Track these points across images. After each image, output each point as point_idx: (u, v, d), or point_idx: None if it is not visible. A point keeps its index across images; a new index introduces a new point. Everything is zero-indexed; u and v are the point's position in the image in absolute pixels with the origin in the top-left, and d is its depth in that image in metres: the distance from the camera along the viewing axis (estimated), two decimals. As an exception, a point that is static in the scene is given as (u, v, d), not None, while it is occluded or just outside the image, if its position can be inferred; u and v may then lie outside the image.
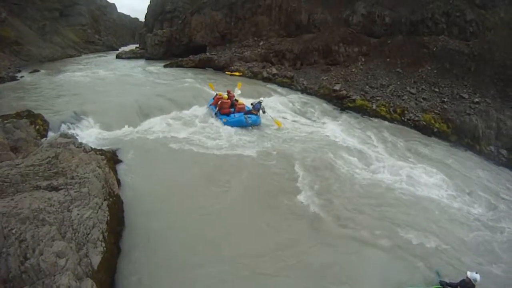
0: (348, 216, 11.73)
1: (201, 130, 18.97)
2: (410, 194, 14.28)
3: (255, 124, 20.48)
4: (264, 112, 21.42)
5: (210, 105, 22.97)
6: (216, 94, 23.14)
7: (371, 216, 11.97)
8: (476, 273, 7.71)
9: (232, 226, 10.09)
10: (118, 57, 54.02)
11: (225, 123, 20.03)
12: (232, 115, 20.53)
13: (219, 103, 21.35)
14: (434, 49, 30.78)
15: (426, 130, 24.97)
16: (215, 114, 21.37)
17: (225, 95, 21.77)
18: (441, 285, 8.14)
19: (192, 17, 47.18)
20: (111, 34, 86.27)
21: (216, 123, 20.42)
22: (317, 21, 37.92)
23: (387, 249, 9.98)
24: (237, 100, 22.13)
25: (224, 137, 18.32)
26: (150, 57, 50.70)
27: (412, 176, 16.17)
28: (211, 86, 27.18)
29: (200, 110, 22.46)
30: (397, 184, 15.24)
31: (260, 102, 21.51)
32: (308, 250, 9.56)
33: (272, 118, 22.12)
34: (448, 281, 8.27)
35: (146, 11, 65.76)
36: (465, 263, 9.76)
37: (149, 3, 64.97)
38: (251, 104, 21.48)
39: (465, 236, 11.57)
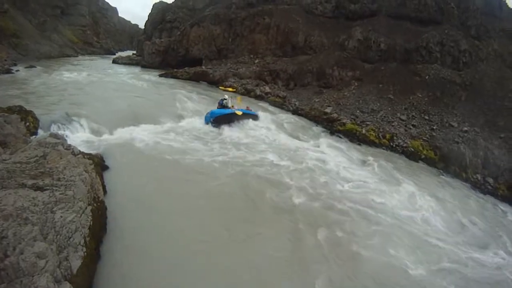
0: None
1: (191, 141, 19.34)
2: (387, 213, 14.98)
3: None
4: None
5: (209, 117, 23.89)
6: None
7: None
8: None
9: (217, 235, 10.38)
10: (114, 61, 55.12)
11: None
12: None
13: None
14: (427, 77, 31.85)
15: (413, 156, 25.42)
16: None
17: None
18: None
19: (191, 29, 48.35)
20: (110, 37, 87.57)
21: (207, 136, 20.92)
22: (313, 43, 39.21)
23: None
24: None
25: (212, 148, 18.76)
26: (146, 65, 51.67)
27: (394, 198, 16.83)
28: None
29: (191, 122, 22.92)
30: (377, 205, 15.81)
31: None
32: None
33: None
34: None
35: (147, 19, 67.48)
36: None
37: (150, 11, 66.87)
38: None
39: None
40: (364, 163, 21.70)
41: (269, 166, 17.06)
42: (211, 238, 10.17)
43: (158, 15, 63.30)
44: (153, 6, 65.12)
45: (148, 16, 66.08)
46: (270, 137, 22.72)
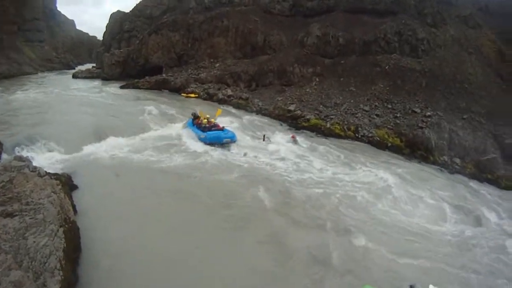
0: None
1: (158, 152, 18.80)
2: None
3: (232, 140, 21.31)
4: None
5: (191, 125, 23.30)
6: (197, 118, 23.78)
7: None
8: None
9: (192, 249, 10.24)
10: (74, 76, 53.33)
11: (201, 139, 20.79)
12: (209, 132, 21.13)
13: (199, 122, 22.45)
14: (387, 67, 32.26)
15: (380, 145, 25.83)
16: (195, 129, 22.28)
17: (205, 120, 22.43)
18: None
19: (150, 38, 47.59)
20: (69, 51, 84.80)
21: (174, 146, 20.29)
22: (272, 42, 39.13)
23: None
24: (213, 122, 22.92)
25: (184, 157, 18.31)
26: (107, 77, 50.06)
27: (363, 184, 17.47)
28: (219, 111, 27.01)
29: (157, 133, 22.41)
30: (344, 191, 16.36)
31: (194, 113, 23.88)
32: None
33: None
34: None
35: (105, 30, 65.94)
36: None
37: (108, 21, 65.41)
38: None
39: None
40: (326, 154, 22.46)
41: (243, 171, 17.23)
42: (186, 253, 10.06)
43: (116, 25, 61.96)
44: (110, 16, 63.83)
45: (106, 27, 64.57)
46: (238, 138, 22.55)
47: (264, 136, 23.51)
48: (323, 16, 38.54)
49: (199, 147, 19.84)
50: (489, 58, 32.41)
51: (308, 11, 39.75)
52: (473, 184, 21.55)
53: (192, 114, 24.07)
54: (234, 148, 20.51)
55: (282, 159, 19.89)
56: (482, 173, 23.14)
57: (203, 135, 20.63)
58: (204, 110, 25.88)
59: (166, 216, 11.94)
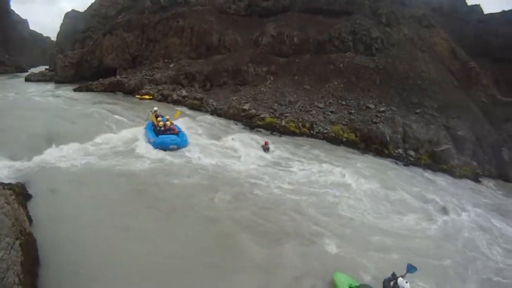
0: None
1: (113, 157, 17.39)
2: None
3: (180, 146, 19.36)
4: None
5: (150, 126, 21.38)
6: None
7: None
8: (406, 282, 7.62)
9: (157, 258, 9.55)
10: (27, 79, 49.91)
11: (151, 143, 19.15)
12: (161, 136, 19.35)
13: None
14: (341, 65, 32.21)
15: (335, 140, 25.88)
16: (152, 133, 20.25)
17: (161, 123, 20.61)
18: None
19: (104, 38, 45.57)
20: (22, 53, 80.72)
21: (130, 150, 18.81)
22: (227, 42, 38.28)
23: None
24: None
25: (139, 162, 16.97)
26: (60, 80, 47.09)
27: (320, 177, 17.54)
28: (178, 113, 25.75)
29: (112, 136, 20.75)
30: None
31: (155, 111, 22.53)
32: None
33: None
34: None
35: (59, 30, 62.77)
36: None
37: (62, 21, 62.36)
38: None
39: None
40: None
41: (202, 169, 16.78)
42: (152, 262, 9.32)
43: (70, 26, 59.11)
44: (65, 16, 60.94)
45: (60, 26, 61.54)
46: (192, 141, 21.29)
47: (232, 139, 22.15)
48: (279, 16, 38.14)
49: (152, 151, 18.47)
50: (442, 56, 33.00)
51: (263, 11, 39.23)
52: (429, 174, 22.49)
53: (152, 112, 22.44)
54: (188, 151, 19.18)
55: (239, 158, 19.17)
56: (437, 163, 23.95)
57: (152, 139, 19.04)
58: (163, 112, 24.42)
59: (126, 222, 11.14)
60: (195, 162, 17.53)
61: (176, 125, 21.15)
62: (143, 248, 9.78)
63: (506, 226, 15.64)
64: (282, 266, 9.79)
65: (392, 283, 7.86)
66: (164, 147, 18.51)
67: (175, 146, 18.79)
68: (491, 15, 41.40)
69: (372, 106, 27.98)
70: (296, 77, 32.77)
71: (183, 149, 19.00)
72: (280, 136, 26.28)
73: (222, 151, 20.29)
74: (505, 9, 40.14)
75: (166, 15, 43.06)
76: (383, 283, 8.08)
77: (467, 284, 10.52)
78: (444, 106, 28.02)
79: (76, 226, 10.49)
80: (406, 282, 7.58)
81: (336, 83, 30.95)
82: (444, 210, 15.95)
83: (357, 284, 8.51)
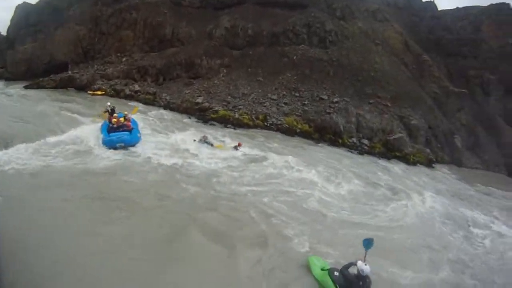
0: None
1: (69, 157, 15.88)
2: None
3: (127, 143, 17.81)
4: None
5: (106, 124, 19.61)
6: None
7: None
8: (366, 264, 7.52)
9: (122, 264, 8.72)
10: None
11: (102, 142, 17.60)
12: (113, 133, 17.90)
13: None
14: (294, 58, 31.77)
15: (289, 131, 25.59)
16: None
17: (115, 119, 19.01)
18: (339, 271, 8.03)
19: (55, 32, 42.90)
20: None
21: (85, 149, 17.28)
22: (181, 35, 36.96)
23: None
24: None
25: (95, 161, 15.70)
26: (10, 77, 43.64)
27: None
28: (136, 109, 24.49)
29: (66, 135, 18.96)
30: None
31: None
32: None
33: None
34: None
35: (9, 23, 58.86)
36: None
37: (13, 14, 58.53)
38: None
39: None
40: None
41: (160, 168, 15.74)
42: (117, 270, 8.50)
43: (21, 19, 55.11)
44: (16, 9, 57.00)
45: (11, 20, 57.56)
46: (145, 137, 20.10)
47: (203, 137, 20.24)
48: (233, 8, 37.18)
49: (104, 150, 17.09)
50: (395, 49, 33.19)
51: (218, 3, 38.14)
52: (383, 162, 23.07)
53: (105, 109, 21.11)
54: (140, 149, 17.89)
55: (195, 156, 18.02)
56: (391, 151, 24.40)
57: (103, 137, 17.65)
58: (119, 108, 23.09)
59: (85, 226, 10.16)
60: (146, 160, 16.39)
61: (134, 121, 19.85)
62: (106, 251, 9.02)
63: (466, 210, 16.23)
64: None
65: (352, 267, 7.80)
66: (111, 145, 17.12)
67: (122, 144, 17.35)
68: (445, 11, 42.41)
69: (325, 97, 27.79)
70: (249, 69, 32.15)
71: (137, 147, 17.77)
72: (234, 129, 25.67)
73: (176, 147, 19.14)
74: (459, 6, 41.22)
75: (120, 6, 41.11)
76: (341, 271, 7.89)
77: (438, 269, 10.46)
78: (397, 97, 28.16)
79: (32, 231, 9.55)
80: (366, 265, 7.46)
81: (289, 75, 30.55)
82: (403, 196, 16.27)
83: (328, 267, 8.56)
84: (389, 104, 27.15)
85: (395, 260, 10.07)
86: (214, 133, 22.99)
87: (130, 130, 18.32)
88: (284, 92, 28.89)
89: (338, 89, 28.38)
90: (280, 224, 11.44)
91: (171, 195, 12.70)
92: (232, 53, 33.94)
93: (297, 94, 28.52)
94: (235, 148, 19.43)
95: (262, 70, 31.62)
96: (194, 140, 19.59)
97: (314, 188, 15.12)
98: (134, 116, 21.72)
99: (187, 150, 18.63)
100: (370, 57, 30.91)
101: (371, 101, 27.36)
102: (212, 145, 19.30)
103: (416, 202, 15.72)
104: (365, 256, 7.87)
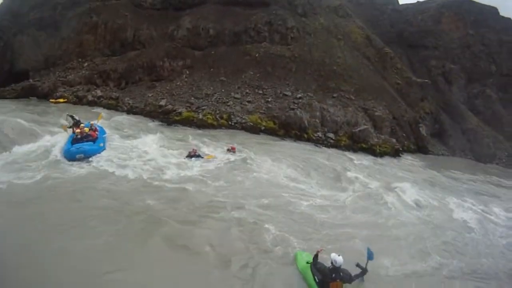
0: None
1: (34, 170, 14.25)
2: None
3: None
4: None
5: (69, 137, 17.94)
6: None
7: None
8: (339, 255, 7.48)
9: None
10: None
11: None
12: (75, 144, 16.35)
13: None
14: (257, 55, 31.40)
15: (254, 129, 25.28)
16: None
17: (78, 130, 17.56)
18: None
19: (15, 39, 41.14)
20: None
21: (50, 162, 15.64)
22: (142, 37, 35.91)
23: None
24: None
25: (59, 173, 14.16)
26: None
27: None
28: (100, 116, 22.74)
29: (28, 148, 17.19)
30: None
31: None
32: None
33: None
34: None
35: None
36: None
37: None
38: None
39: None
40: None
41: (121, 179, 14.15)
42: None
43: None
44: None
45: None
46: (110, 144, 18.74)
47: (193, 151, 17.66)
48: (195, 8, 36.42)
49: (68, 161, 15.66)
50: (357, 43, 33.43)
51: (179, 4, 37.29)
52: (350, 154, 23.09)
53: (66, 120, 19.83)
54: (103, 158, 16.25)
55: (152, 160, 16.67)
56: (356, 143, 24.56)
57: (64, 148, 16.28)
58: (81, 116, 21.56)
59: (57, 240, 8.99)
60: (106, 170, 14.84)
61: (101, 130, 18.60)
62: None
63: (438, 195, 16.45)
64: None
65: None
66: (70, 157, 15.73)
67: (82, 155, 15.92)
68: (406, 5, 43.02)
69: (289, 93, 27.62)
70: (212, 69, 31.53)
71: (99, 156, 16.19)
72: (200, 130, 24.87)
73: (140, 154, 17.57)
74: (419, 0, 41.74)
75: (80, 10, 39.70)
76: (315, 264, 7.90)
77: (423, 257, 10.15)
78: (361, 89, 28.31)
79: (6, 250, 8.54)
80: (339, 256, 7.44)
81: (252, 73, 30.18)
82: (373, 187, 16.20)
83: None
84: (352, 97, 27.24)
85: (380, 252, 9.40)
86: (173, 135, 22.09)
87: (94, 140, 17.20)
88: (248, 90, 28.54)
89: (301, 84, 28.22)
90: (265, 221, 10.91)
91: (130, 206, 11.46)
92: (194, 54, 33.25)
93: (260, 92, 28.24)
94: (228, 151, 18.09)
95: (224, 69, 31.09)
96: (186, 158, 17.03)
97: (286, 185, 14.57)
98: (101, 123, 20.74)
99: (152, 158, 16.95)
100: (333, 52, 30.95)
101: (334, 95, 27.34)
102: (202, 157, 17.26)
103: (389, 193, 15.53)
104: (366, 264, 7.73)
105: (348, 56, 30.90)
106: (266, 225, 10.46)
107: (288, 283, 8.14)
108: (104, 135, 18.27)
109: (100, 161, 15.66)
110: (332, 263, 7.36)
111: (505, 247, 11.83)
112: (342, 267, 7.35)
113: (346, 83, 28.34)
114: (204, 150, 18.70)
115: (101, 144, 17.07)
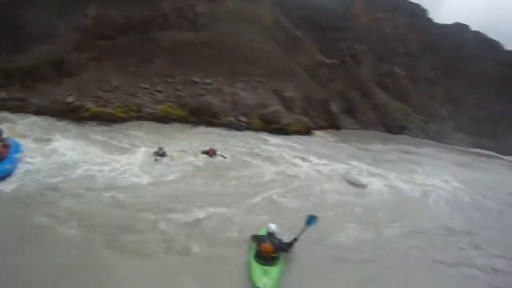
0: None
1: None
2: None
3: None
4: None
5: None
6: None
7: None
8: (273, 224, 8.07)
9: None
10: None
11: None
12: None
13: None
14: (166, 43, 30.59)
15: (164, 119, 24.81)
16: None
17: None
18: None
19: None
20: None
21: None
22: (47, 30, 33.26)
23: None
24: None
25: None
26: None
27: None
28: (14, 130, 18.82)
29: None
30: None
31: None
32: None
33: None
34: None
35: None
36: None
37: None
38: None
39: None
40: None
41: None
42: None
43: None
44: None
45: None
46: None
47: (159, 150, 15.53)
48: (101, -5, 34.38)
49: None
50: (267, 26, 33.82)
51: (85, -8, 35.06)
52: (263, 135, 23.53)
53: None
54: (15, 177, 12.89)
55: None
56: (269, 124, 24.94)
57: None
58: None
59: None
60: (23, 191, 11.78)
61: (16, 145, 15.02)
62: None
63: (348, 165, 17.73)
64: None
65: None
66: None
67: None
68: (316, -11, 43.91)
69: (198, 80, 27.31)
70: (120, 60, 30.01)
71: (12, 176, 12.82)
72: (109, 125, 23.29)
73: (58, 163, 14.55)
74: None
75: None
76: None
77: (341, 227, 10.16)
78: (271, 72, 28.63)
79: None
80: (272, 223, 8.11)
81: (161, 61, 29.38)
82: (289, 162, 16.85)
83: None
84: (263, 80, 27.54)
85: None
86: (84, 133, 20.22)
87: (3, 159, 14.46)
88: (157, 80, 27.74)
89: (211, 70, 27.93)
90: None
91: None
92: (102, 45, 31.54)
93: (169, 80, 27.59)
94: (206, 153, 15.83)
95: (133, 59, 29.73)
96: (155, 160, 14.65)
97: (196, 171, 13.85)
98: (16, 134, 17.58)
99: (67, 164, 14.24)
100: (242, 36, 30.97)
101: (245, 79, 27.56)
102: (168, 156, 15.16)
103: (303, 166, 16.45)
104: (302, 231, 7.75)
105: (258, 40, 31.10)
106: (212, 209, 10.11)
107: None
108: (17, 154, 14.47)
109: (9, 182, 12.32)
110: (267, 230, 8.00)
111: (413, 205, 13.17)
112: (277, 235, 7.82)
113: (257, 66, 28.51)
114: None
115: (8, 166, 13.30)
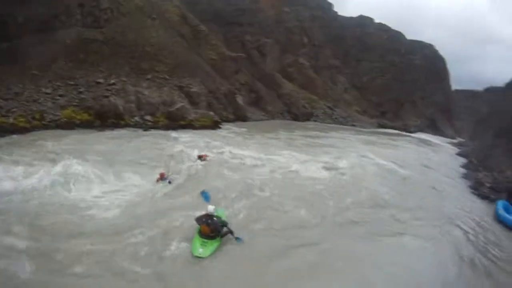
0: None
1: None
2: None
3: None
4: None
5: None
6: None
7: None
8: (213, 206, 8.98)
9: None
10: None
11: None
12: None
13: None
14: (68, 42, 29.17)
15: (68, 125, 23.45)
16: None
17: None
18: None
19: None
20: None
21: None
22: None
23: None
24: None
25: None
26: None
27: None
28: None
29: None
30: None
31: None
32: None
33: None
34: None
35: None
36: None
37: None
38: None
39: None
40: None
41: None
42: None
43: None
44: None
45: None
46: None
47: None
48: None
49: None
50: (173, 22, 34.02)
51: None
52: (171, 133, 23.22)
53: None
54: None
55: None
56: (175, 121, 25.23)
57: None
58: None
59: None
60: None
61: None
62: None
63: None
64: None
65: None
66: None
67: None
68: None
69: (102, 80, 26.76)
70: (20, 64, 28.06)
71: None
72: (8, 137, 19.95)
73: None
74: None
75: None
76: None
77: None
78: (176, 68, 29.03)
79: None
80: (210, 205, 9.04)
81: (63, 62, 27.98)
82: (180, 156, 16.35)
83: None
84: (167, 77, 27.87)
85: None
86: None
87: None
88: (59, 83, 26.49)
89: (114, 69, 27.62)
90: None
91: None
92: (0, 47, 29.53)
93: (72, 83, 26.54)
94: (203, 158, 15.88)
95: (34, 61, 27.83)
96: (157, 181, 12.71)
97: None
98: None
99: None
100: (146, 32, 30.86)
101: (149, 77, 27.55)
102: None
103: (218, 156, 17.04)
104: (231, 232, 8.71)
105: (162, 36, 31.24)
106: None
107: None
108: None
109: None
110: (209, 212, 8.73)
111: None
112: (216, 218, 8.66)
113: (161, 63, 28.77)
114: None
115: None
